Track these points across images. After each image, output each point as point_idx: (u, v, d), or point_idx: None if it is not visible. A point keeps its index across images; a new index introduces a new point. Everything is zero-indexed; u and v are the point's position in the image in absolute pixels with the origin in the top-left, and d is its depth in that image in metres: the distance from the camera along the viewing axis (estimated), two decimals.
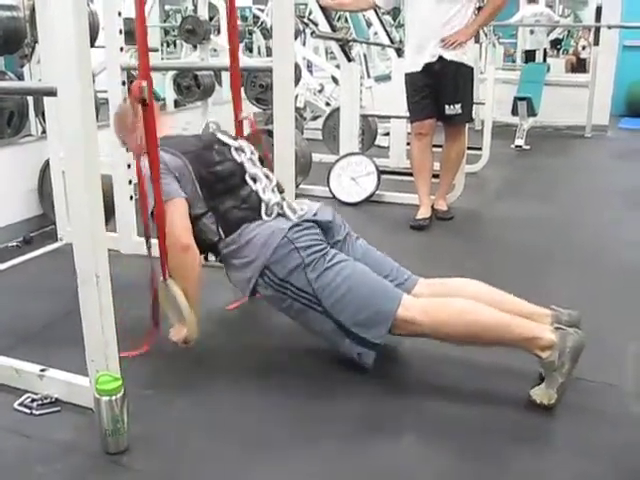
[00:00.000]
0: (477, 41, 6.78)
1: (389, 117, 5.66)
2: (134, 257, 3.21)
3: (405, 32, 4.77)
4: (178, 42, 8.40)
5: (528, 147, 6.79)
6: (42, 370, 2.11)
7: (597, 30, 7.51)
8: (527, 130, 7.03)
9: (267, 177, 2.45)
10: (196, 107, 5.56)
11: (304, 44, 6.87)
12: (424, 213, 4.11)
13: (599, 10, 7.50)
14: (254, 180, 2.41)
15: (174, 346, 2.32)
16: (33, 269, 3.33)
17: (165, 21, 9.55)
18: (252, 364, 2.36)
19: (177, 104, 5.66)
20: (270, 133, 2.89)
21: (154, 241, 2.26)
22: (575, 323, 2.20)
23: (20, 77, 4.03)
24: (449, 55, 3.87)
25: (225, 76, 5.98)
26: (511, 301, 2.28)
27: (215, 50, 6.24)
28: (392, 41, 6.01)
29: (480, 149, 5.36)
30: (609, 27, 7.41)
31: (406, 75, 4.10)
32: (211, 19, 6.27)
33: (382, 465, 1.83)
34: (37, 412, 2.02)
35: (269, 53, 7.86)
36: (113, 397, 1.81)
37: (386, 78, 7.31)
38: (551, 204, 4.62)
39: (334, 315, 2.18)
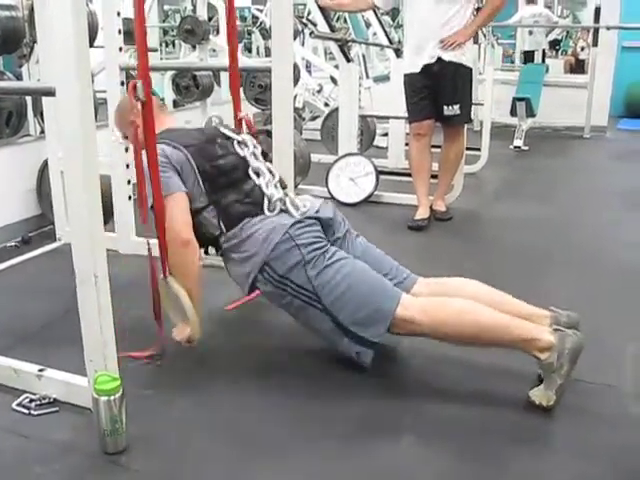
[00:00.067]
0: (476, 42, 6.78)
1: (388, 118, 5.66)
2: (133, 257, 3.21)
3: (404, 33, 4.77)
4: (177, 42, 8.38)
5: (527, 148, 6.80)
6: (40, 370, 2.11)
7: (596, 31, 7.51)
8: (526, 131, 7.03)
9: (270, 172, 2.45)
10: (195, 107, 5.56)
11: (303, 44, 6.88)
12: (422, 214, 4.11)
13: (598, 11, 7.50)
14: (257, 174, 2.41)
15: (173, 346, 2.32)
16: (31, 269, 3.33)
17: (164, 21, 9.55)
18: (252, 364, 2.36)
19: (176, 104, 5.66)
20: (269, 133, 2.88)
21: (154, 241, 2.25)
22: (574, 324, 2.19)
23: (19, 77, 4.02)
24: (448, 56, 3.87)
25: (224, 76, 5.98)
26: (510, 302, 2.28)
27: (214, 50, 6.24)
28: (391, 42, 6.01)
29: (479, 150, 5.36)
30: (608, 28, 7.41)
31: (405, 76, 4.11)
32: (210, 19, 6.26)
33: (382, 465, 1.83)
34: (35, 412, 2.02)
35: (268, 53, 7.86)
36: (111, 397, 1.81)
37: (385, 79, 7.32)
38: (550, 205, 4.63)
39: (333, 313, 2.18)
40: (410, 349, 2.41)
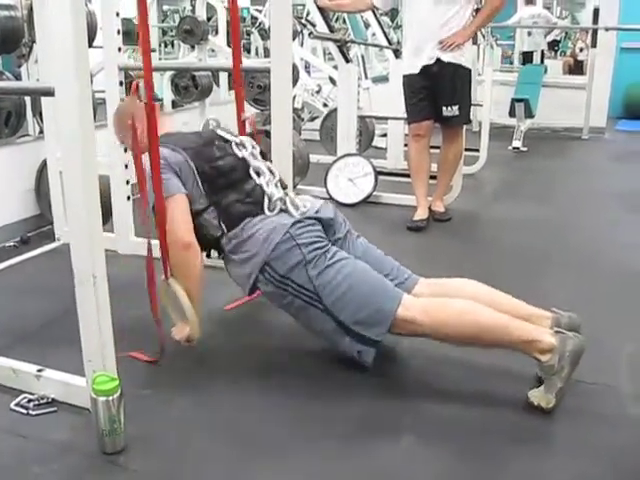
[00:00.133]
0: (475, 42, 6.78)
1: (386, 118, 5.66)
2: (131, 257, 3.21)
3: (403, 33, 4.77)
4: (176, 42, 8.39)
5: (525, 149, 6.80)
6: (39, 370, 2.10)
7: (595, 32, 7.52)
8: (524, 132, 7.04)
9: (271, 171, 2.45)
10: (194, 107, 5.56)
11: (302, 45, 6.87)
12: (421, 214, 4.11)
13: (597, 12, 7.50)
14: (258, 174, 2.41)
15: (173, 345, 2.32)
16: (30, 269, 3.33)
17: (163, 21, 9.56)
18: (252, 364, 2.36)
19: (175, 104, 5.66)
20: (268, 134, 2.89)
21: (155, 242, 2.25)
22: (575, 327, 2.19)
23: (17, 77, 4.02)
24: (447, 57, 3.88)
25: (223, 76, 5.99)
26: (510, 302, 2.28)
27: (213, 50, 6.24)
28: (390, 42, 6.01)
29: (477, 150, 5.37)
30: (607, 29, 7.42)
31: (404, 77, 4.11)
32: (209, 19, 6.26)
33: (382, 465, 1.83)
34: (34, 412, 2.02)
35: (267, 54, 7.85)
36: (110, 397, 1.80)
37: (384, 79, 7.32)
38: (548, 206, 4.63)
39: (334, 313, 2.18)
40: (410, 349, 2.41)
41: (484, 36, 8.34)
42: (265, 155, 2.58)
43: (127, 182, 3.36)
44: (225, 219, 2.31)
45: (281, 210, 2.33)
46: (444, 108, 3.99)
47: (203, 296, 2.35)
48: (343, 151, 4.77)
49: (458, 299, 2.19)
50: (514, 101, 7.13)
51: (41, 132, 3.80)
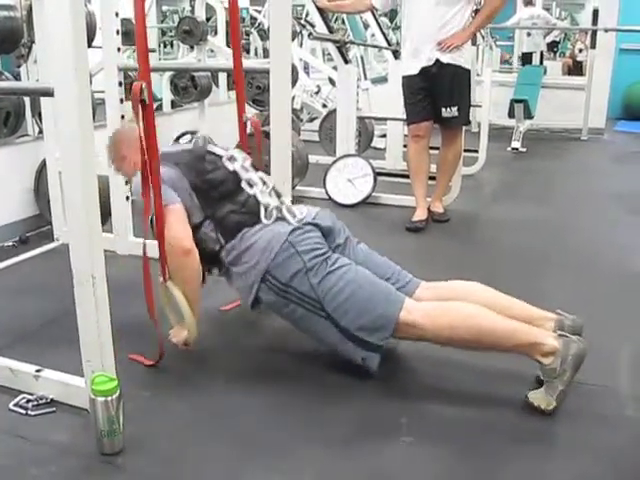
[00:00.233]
0: (474, 43, 6.78)
1: (386, 119, 5.67)
2: (130, 258, 3.20)
3: (402, 34, 4.77)
4: (175, 43, 8.39)
5: (524, 149, 6.81)
6: (38, 370, 2.10)
7: (594, 33, 7.53)
8: (523, 132, 7.05)
9: (263, 182, 2.44)
10: (193, 108, 5.56)
11: (301, 45, 6.87)
12: (420, 215, 4.12)
13: (596, 13, 7.51)
14: (250, 185, 2.40)
15: (171, 346, 2.32)
16: (29, 269, 3.32)
17: (162, 22, 9.56)
18: (251, 365, 2.36)
19: (174, 105, 5.66)
20: (267, 134, 2.89)
21: (154, 242, 2.24)
22: (578, 330, 2.19)
23: (17, 77, 4.02)
24: (446, 58, 3.88)
25: (222, 77, 5.99)
26: (515, 305, 2.27)
27: (212, 51, 6.23)
28: (389, 43, 6.02)
29: (477, 151, 5.37)
30: (606, 30, 7.42)
31: (403, 78, 4.11)
32: (208, 20, 6.26)
33: (382, 465, 1.83)
34: (32, 413, 2.02)
35: (266, 54, 7.85)
36: (109, 398, 1.80)
37: (383, 80, 7.32)
38: (547, 207, 4.63)
39: (337, 319, 2.17)
40: (410, 350, 2.41)
41: (483, 37, 8.35)
42: (257, 167, 2.57)
43: (126, 182, 3.36)
44: (222, 231, 2.31)
45: (278, 218, 2.32)
46: (443, 109, 3.99)
47: (201, 297, 2.35)
48: (342, 152, 4.78)
49: (464, 303, 2.18)
50: (513, 102, 7.14)
51: (40, 132, 3.80)
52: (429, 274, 2.50)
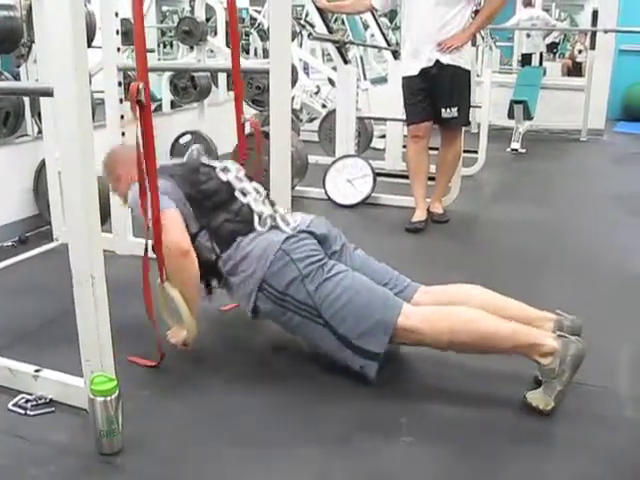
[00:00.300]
0: (474, 44, 6.79)
1: (385, 119, 5.67)
2: (130, 258, 3.20)
3: (401, 35, 4.78)
4: (175, 43, 8.39)
5: (524, 150, 6.81)
6: (37, 370, 2.10)
7: (593, 34, 7.53)
8: (523, 133, 7.04)
9: (257, 191, 2.45)
10: (192, 108, 5.57)
11: (301, 46, 6.87)
12: (420, 216, 4.11)
13: (595, 14, 7.51)
14: (244, 194, 2.40)
15: (171, 346, 2.32)
16: (28, 269, 3.32)
17: (162, 22, 9.55)
18: (250, 365, 2.36)
19: (173, 105, 5.66)
20: (267, 135, 2.89)
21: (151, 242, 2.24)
22: (577, 330, 2.19)
23: (16, 77, 4.02)
24: (446, 59, 3.88)
25: (222, 77, 5.99)
26: (514, 306, 2.27)
27: (212, 51, 6.23)
28: (389, 43, 6.02)
29: (476, 152, 5.37)
30: (605, 31, 7.42)
31: (403, 78, 4.11)
32: (208, 20, 6.26)
33: (382, 465, 1.83)
34: (31, 413, 2.02)
35: (266, 55, 7.86)
36: (108, 398, 1.80)
37: (382, 80, 7.32)
38: (547, 208, 4.63)
39: (334, 326, 2.17)
40: (410, 351, 2.40)
41: (483, 38, 8.35)
42: (251, 177, 2.57)
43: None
44: (217, 240, 2.31)
45: (272, 227, 2.32)
46: (443, 110, 3.99)
47: (198, 298, 2.35)
48: (342, 152, 4.78)
49: (465, 308, 2.18)
50: (513, 103, 7.14)
51: (40, 132, 3.79)
52: (428, 275, 2.50)
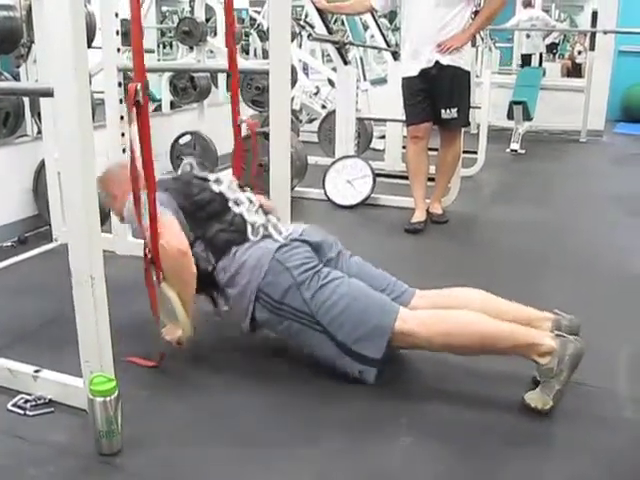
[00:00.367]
0: (474, 45, 6.79)
1: (385, 120, 5.67)
2: (129, 258, 3.20)
3: (401, 35, 4.78)
4: (174, 43, 8.39)
5: (523, 151, 6.82)
6: (36, 371, 2.10)
7: (593, 35, 7.54)
8: (522, 134, 7.05)
9: (250, 200, 2.45)
10: (192, 109, 5.57)
11: (300, 46, 6.87)
12: (419, 216, 4.12)
13: (595, 15, 7.53)
14: (237, 204, 2.41)
15: (170, 347, 2.32)
16: (28, 269, 3.32)
17: (162, 22, 9.55)
18: (250, 365, 2.36)
19: (173, 105, 5.66)
20: (266, 135, 2.89)
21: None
22: (575, 330, 2.19)
23: (16, 77, 4.02)
24: (445, 60, 3.88)
25: (221, 78, 5.99)
26: (512, 308, 2.27)
27: (211, 52, 6.23)
28: (388, 44, 6.02)
29: (476, 153, 5.37)
30: (605, 32, 7.43)
31: (402, 79, 4.11)
32: (207, 20, 6.26)
33: (382, 465, 1.83)
34: (31, 413, 2.02)
35: (265, 55, 7.85)
36: (107, 398, 1.80)
37: (382, 81, 7.33)
38: (546, 208, 4.63)
39: (332, 332, 2.17)
40: (410, 352, 2.40)
41: (483, 38, 8.36)
42: (243, 188, 2.58)
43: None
44: (212, 250, 2.31)
45: (264, 236, 2.33)
46: (443, 110, 3.99)
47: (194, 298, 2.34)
48: (341, 153, 4.78)
49: (464, 311, 2.19)
50: (512, 103, 7.15)
51: (39, 132, 3.79)
52: (427, 276, 2.50)
